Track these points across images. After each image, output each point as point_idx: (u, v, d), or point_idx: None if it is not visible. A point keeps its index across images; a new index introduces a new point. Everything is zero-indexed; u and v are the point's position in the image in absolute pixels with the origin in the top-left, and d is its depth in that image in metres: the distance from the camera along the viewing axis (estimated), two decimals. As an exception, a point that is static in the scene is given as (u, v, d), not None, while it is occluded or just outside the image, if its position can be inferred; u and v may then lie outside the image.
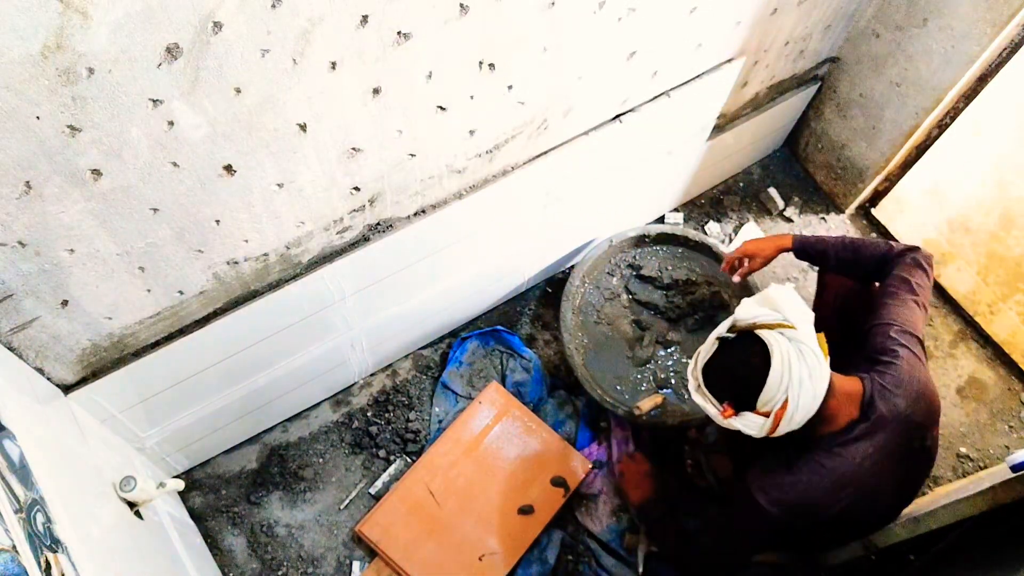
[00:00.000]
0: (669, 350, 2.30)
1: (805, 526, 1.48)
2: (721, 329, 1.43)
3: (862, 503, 1.48)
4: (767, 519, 1.45)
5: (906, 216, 2.51)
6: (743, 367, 1.38)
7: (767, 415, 1.36)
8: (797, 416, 1.35)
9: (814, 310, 1.89)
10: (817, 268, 1.88)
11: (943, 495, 1.60)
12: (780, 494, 1.44)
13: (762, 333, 1.36)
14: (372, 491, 2.07)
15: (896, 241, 1.71)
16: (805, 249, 1.80)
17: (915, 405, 1.46)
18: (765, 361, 1.34)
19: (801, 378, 1.32)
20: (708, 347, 1.44)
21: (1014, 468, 1.47)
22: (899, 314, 1.54)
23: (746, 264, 1.88)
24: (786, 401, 1.33)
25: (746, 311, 1.41)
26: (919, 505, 1.72)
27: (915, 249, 1.66)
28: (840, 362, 1.47)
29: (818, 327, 1.45)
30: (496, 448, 2.12)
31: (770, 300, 1.41)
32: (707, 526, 1.65)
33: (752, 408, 1.37)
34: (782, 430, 1.37)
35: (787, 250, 1.82)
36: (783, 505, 1.44)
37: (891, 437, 1.45)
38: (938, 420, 1.55)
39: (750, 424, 1.38)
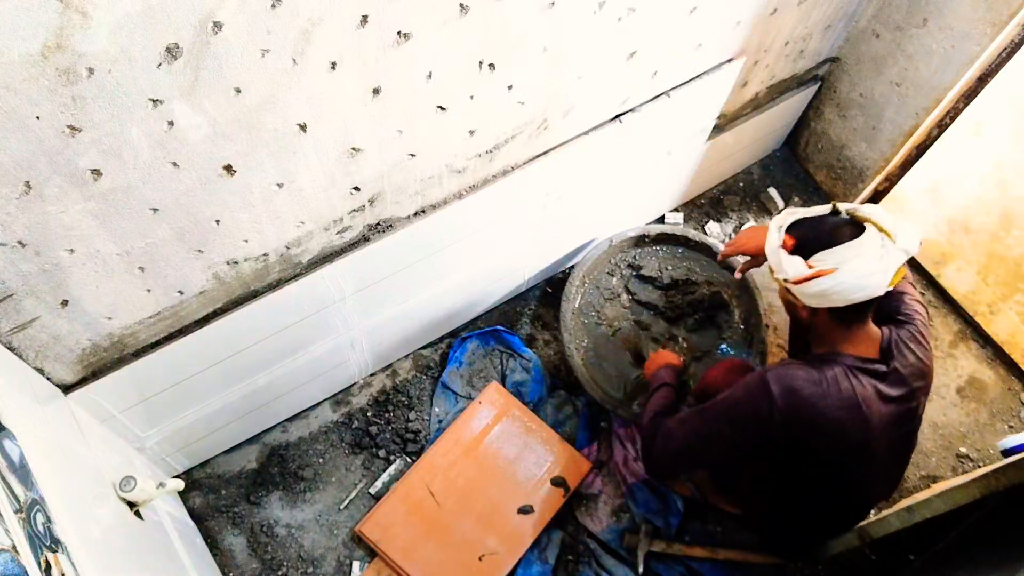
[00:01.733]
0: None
1: (801, 444, 1.47)
2: (843, 205, 1.50)
3: (862, 449, 1.49)
4: (769, 409, 1.45)
5: (906, 216, 2.51)
6: (829, 230, 1.45)
7: (810, 267, 1.43)
8: (831, 291, 1.41)
9: None
10: None
11: (939, 490, 1.60)
12: (794, 386, 1.45)
13: (869, 226, 1.43)
14: (372, 491, 2.07)
15: None
16: None
17: (920, 363, 1.52)
18: (850, 236, 1.42)
19: (861, 268, 1.38)
20: (818, 208, 1.53)
21: (1005, 452, 1.48)
22: (908, 289, 1.67)
23: (746, 260, 1.88)
24: (833, 270, 1.39)
25: (872, 208, 1.47)
26: (915, 497, 1.72)
27: None
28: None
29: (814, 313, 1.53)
30: (496, 448, 2.12)
31: (897, 218, 1.46)
32: (696, 406, 1.63)
33: (805, 258, 1.44)
34: (808, 291, 1.44)
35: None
36: (792, 398, 1.44)
37: (898, 389, 1.49)
38: (930, 388, 1.60)
39: (792, 265, 1.45)
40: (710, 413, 1.55)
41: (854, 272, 1.38)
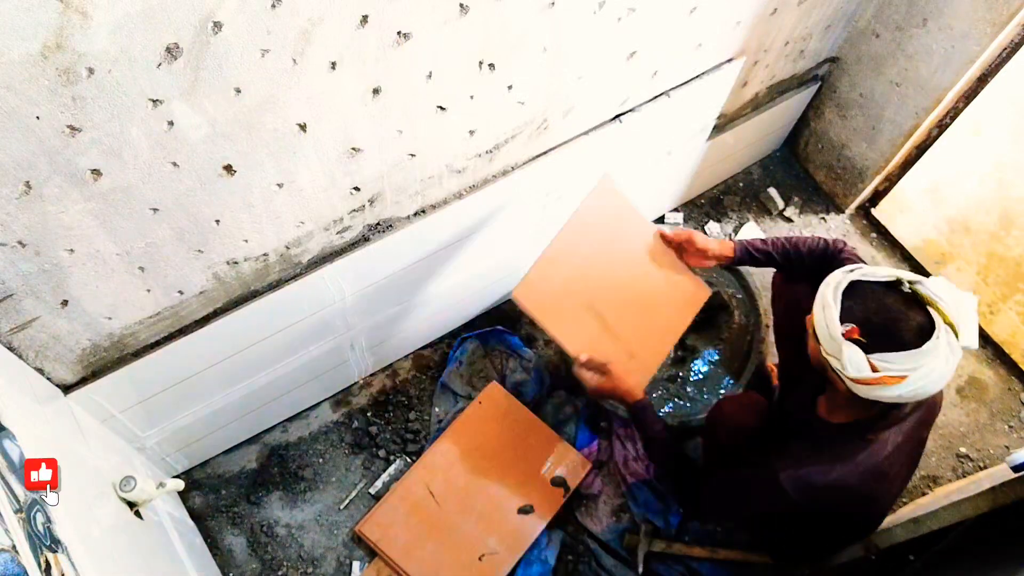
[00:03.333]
0: (669, 350, 2.29)
1: (821, 514, 1.47)
2: (903, 274, 1.31)
3: (880, 498, 1.50)
4: (785, 502, 1.42)
5: (906, 216, 2.51)
6: (898, 320, 1.27)
7: (875, 370, 1.26)
8: (892, 395, 1.26)
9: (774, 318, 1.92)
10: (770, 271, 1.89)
11: (943, 495, 1.60)
12: (809, 482, 1.40)
13: (935, 314, 1.27)
14: (372, 491, 2.07)
15: (836, 239, 1.71)
16: (750, 253, 1.77)
17: (930, 399, 1.46)
18: (919, 334, 1.25)
19: (929, 374, 1.23)
20: (876, 271, 1.33)
21: (1015, 468, 1.47)
22: None
23: (691, 246, 1.81)
24: (904, 378, 1.24)
25: (940, 287, 1.30)
26: (919, 505, 1.72)
27: (844, 243, 1.69)
28: (799, 370, 1.49)
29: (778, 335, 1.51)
30: (496, 448, 2.11)
31: (961, 302, 1.30)
32: (719, 475, 1.59)
33: (868, 351, 1.26)
34: (870, 394, 1.28)
35: (728, 259, 1.78)
36: (810, 493, 1.40)
37: (914, 428, 1.46)
38: (936, 416, 1.58)
39: (855, 361, 1.26)
40: (736, 490, 1.55)
41: (922, 379, 1.23)
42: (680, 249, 1.84)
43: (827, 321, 1.31)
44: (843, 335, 1.28)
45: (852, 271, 1.34)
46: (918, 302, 1.29)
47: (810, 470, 1.40)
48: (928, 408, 1.49)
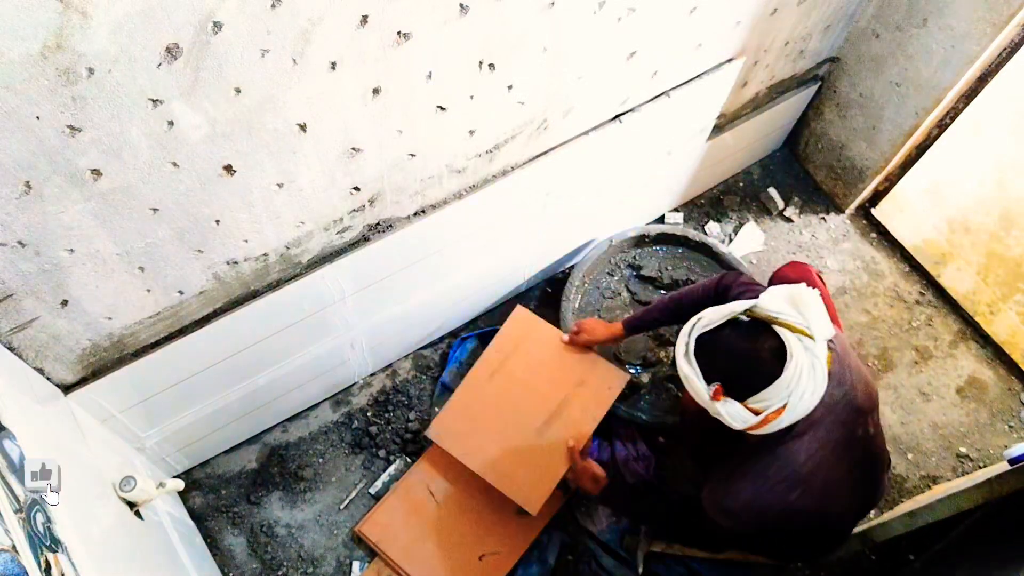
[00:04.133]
0: (669, 350, 2.30)
1: (763, 532, 1.47)
2: (736, 308, 1.34)
3: (817, 503, 1.44)
4: (725, 529, 1.45)
5: (906, 216, 2.51)
6: (751, 358, 1.30)
7: (757, 413, 1.28)
8: (788, 421, 1.30)
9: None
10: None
11: (941, 493, 1.60)
12: (729, 505, 1.41)
13: (781, 331, 1.29)
14: (372, 491, 2.07)
15: (725, 274, 1.70)
16: (635, 326, 1.88)
17: (851, 392, 1.44)
18: (775, 360, 1.27)
19: (804, 391, 1.26)
20: (714, 316, 1.35)
21: (1012, 461, 1.48)
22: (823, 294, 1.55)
23: (580, 337, 2.00)
24: (784, 407, 1.27)
25: (772, 302, 1.33)
26: (917, 500, 1.72)
27: (736, 271, 1.70)
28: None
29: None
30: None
31: (799, 301, 1.34)
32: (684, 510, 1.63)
33: (741, 400, 1.29)
34: (768, 431, 1.32)
35: (619, 337, 1.95)
36: (733, 517, 1.41)
37: (832, 428, 1.41)
38: (877, 405, 1.54)
39: (734, 414, 1.30)
40: (697, 527, 1.59)
41: (803, 396, 1.26)
42: (579, 342, 2.01)
43: (696, 391, 1.34)
44: (711, 398, 1.31)
45: (692, 327, 1.36)
46: (760, 326, 1.31)
47: (723, 491, 1.43)
48: (849, 403, 1.43)
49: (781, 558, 1.88)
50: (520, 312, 2.18)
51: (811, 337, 1.29)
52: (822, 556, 1.85)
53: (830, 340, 1.38)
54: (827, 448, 1.41)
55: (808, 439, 1.39)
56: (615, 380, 2.06)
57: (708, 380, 1.33)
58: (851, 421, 1.44)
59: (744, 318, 1.34)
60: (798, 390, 1.26)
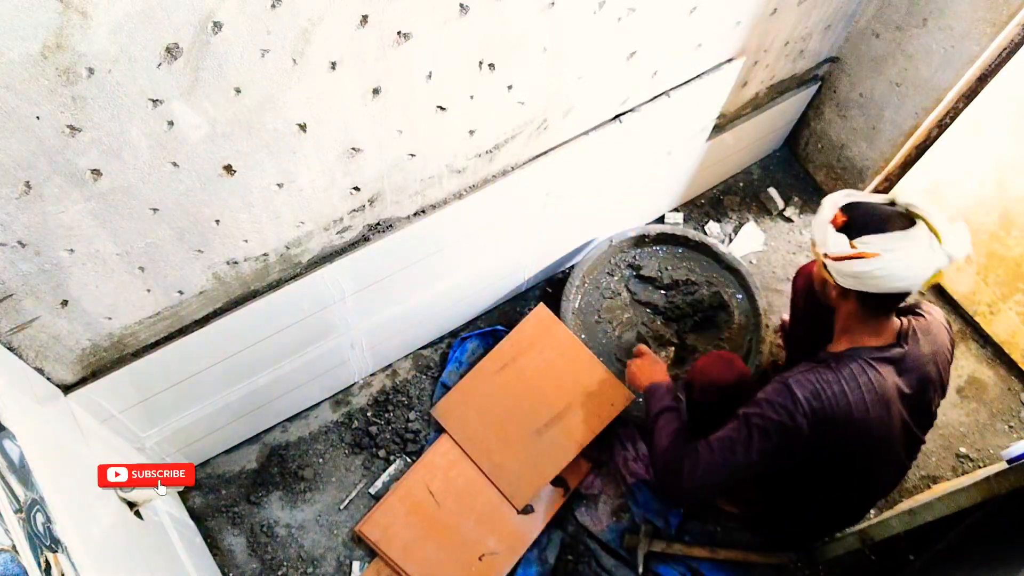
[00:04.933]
0: (669, 350, 2.30)
1: (828, 441, 1.46)
2: (900, 199, 1.47)
3: (884, 437, 1.49)
4: (794, 417, 1.43)
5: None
6: (886, 215, 1.43)
7: (853, 247, 1.40)
8: (867, 275, 1.39)
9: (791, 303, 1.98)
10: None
11: (940, 491, 1.60)
12: (819, 388, 1.44)
13: (921, 223, 1.41)
14: (372, 491, 2.07)
15: None
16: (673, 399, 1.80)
17: (934, 358, 1.53)
18: (899, 224, 1.40)
19: (903, 260, 1.36)
20: (874, 196, 1.50)
21: (1010, 461, 1.48)
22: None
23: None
24: (876, 255, 1.38)
25: (930, 208, 1.43)
26: (916, 499, 1.72)
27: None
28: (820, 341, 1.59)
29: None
30: (496, 448, 2.12)
31: (951, 219, 1.44)
32: (720, 428, 1.56)
33: (851, 238, 1.42)
34: (845, 270, 1.42)
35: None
36: (818, 400, 1.43)
37: (913, 378, 1.50)
38: (946, 388, 1.60)
39: (836, 241, 1.43)
40: (741, 432, 1.49)
41: (895, 262, 1.37)
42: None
43: (820, 219, 1.48)
44: (830, 222, 1.45)
45: (847, 195, 1.50)
46: (908, 216, 1.43)
47: (817, 378, 1.46)
48: (930, 364, 1.52)
49: (789, 539, 1.86)
50: (542, 310, 2.20)
51: (940, 241, 1.39)
52: (828, 534, 1.85)
53: (926, 304, 1.60)
54: (906, 392, 1.49)
55: (895, 372, 1.48)
56: (619, 398, 2.09)
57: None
58: (925, 384, 1.52)
59: (900, 208, 1.46)
60: (899, 252, 1.37)
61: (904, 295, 1.44)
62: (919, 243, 1.37)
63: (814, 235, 1.50)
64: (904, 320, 1.55)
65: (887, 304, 1.47)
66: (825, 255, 1.46)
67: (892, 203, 1.47)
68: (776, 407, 1.46)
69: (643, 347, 2.01)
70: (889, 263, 1.37)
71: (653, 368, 1.88)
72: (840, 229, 1.45)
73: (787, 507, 1.74)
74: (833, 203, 1.50)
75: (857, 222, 1.43)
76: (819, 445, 1.46)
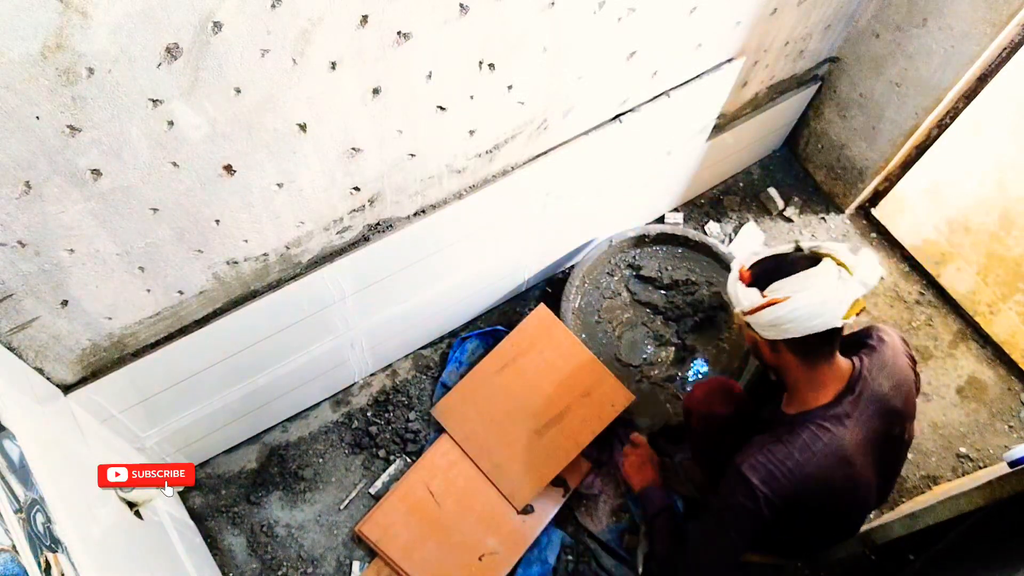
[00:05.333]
0: (669, 350, 2.30)
1: (794, 510, 1.46)
2: (803, 244, 1.50)
3: (850, 488, 1.49)
4: (756, 503, 1.43)
5: (906, 216, 2.51)
6: (790, 261, 1.45)
7: (764, 296, 1.42)
8: (784, 319, 1.39)
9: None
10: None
11: (941, 493, 1.60)
12: (773, 469, 1.43)
13: (825, 259, 1.42)
14: (372, 491, 2.07)
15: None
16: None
17: (896, 391, 1.51)
18: (805, 265, 1.42)
19: (815, 296, 1.36)
20: (780, 248, 1.53)
21: (1012, 464, 1.48)
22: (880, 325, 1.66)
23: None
24: (787, 299, 1.38)
25: (833, 245, 1.46)
26: (916, 502, 1.72)
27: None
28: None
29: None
30: (496, 448, 2.12)
31: (854, 252, 1.45)
32: (696, 524, 1.61)
33: (762, 289, 1.43)
34: (762, 320, 1.42)
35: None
36: (775, 482, 1.42)
37: (874, 419, 1.48)
38: (914, 414, 1.58)
39: (747, 295, 1.45)
40: (713, 531, 1.53)
41: (808, 299, 1.36)
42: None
43: (730, 281, 1.51)
44: (738, 277, 1.48)
45: (759, 252, 1.53)
46: (813, 257, 1.44)
47: (768, 458, 1.44)
48: (894, 398, 1.49)
49: (785, 552, 1.88)
50: (542, 310, 2.20)
51: (849, 272, 1.39)
52: (827, 548, 1.85)
53: (880, 329, 1.59)
54: (867, 436, 1.48)
55: (853, 422, 1.46)
56: (619, 399, 2.09)
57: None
58: (890, 419, 1.51)
59: (806, 252, 1.48)
60: (811, 291, 1.37)
61: (832, 333, 1.41)
62: (827, 278, 1.37)
63: (730, 299, 1.53)
64: (855, 360, 1.51)
65: (820, 348, 1.44)
66: (742, 313, 1.47)
67: (798, 249, 1.48)
68: (737, 495, 1.46)
69: (639, 437, 2.02)
70: (801, 301, 1.37)
71: (644, 470, 1.92)
72: (750, 284, 1.46)
73: (775, 551, 1.77)
74: (739, 264, 1.53)
75: (764, 273, 1.45)
76: (787, 516, 1.47)
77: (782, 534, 1.60)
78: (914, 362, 1.61)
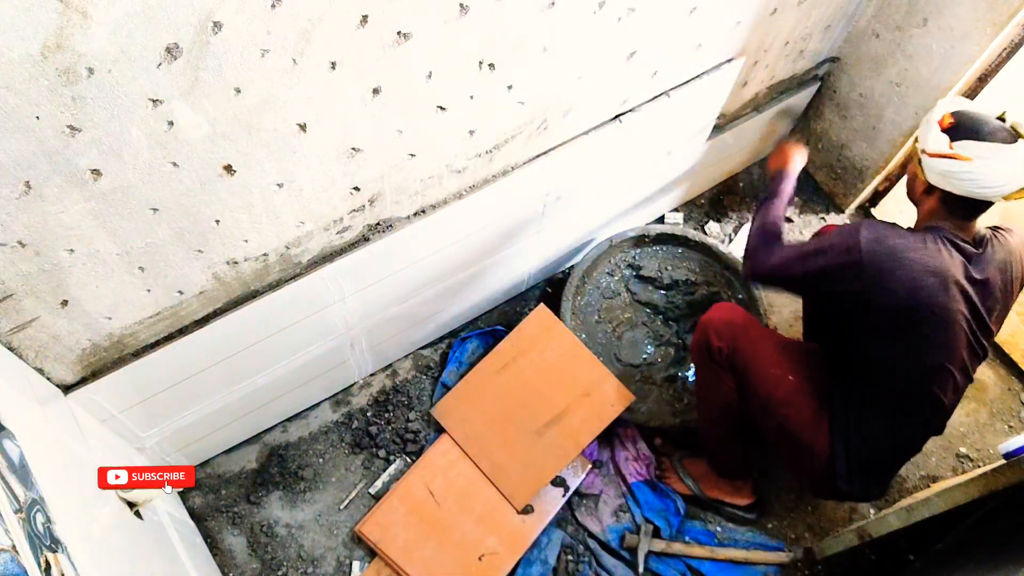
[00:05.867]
0: (669, 350, 2.30)
1: (879, 291, 1.50)
2: (1009, 117, 1.51)
3: (935, 313, 1.49)
4: (854, 255, 1.51)
5: (906, 216, 2.50)
6: (991, 127, 1.47)
7: (951, 148, 1.47)
8: (955, 176, 1.46)
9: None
10: None
11: (938, 490, 1.60)
12: (884, 236, 1.51)
13: (1021, 138, 1.46)
14: (372, 491, 2.07)
15: None
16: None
17: (1004, 274, 1.56)
18: (1003, 138, 1.45)
19: (994, 169, 1.42)
20: (986, 110, 1.53)
21: (1007, 456, 1.48)
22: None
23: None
24: (970, 159, 1.43)
25: None
26: (914, 496, 1.71)
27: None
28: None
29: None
30: (496, 448, 2.12)
31: None
32: (797, 243, 1.70)
33: (953, 139, 1.47)
34: (937, 167, 1.49)
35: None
36: (880, 246, 1.50)
37: (978, 284, 1.52)
38: (1008, 310, 1.62)
39: (936, 139, 1.50)
40: (809, 252, 1.62)
41: (986, 169, 1.43)
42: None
43: (929, 118, 1.55)
44: (937, 121, 1.51)
45: (963, 102, 1.56)
46: (1013, 133, 1.47)
47: (886, 227, 1.54)
48: (999, 273, 1.55)
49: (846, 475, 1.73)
50: (542, 311, 2.20)
51: None
52: (891, 467, 1.72)
53: (1012, 230, 1.62)
54: (968, 292, 1.51)
55: (964, 263, 1.51)
56: (619, 399, 2.09)
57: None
58: (990, 294, 1.55)
59: (1008, 126, 1.49)
60: (994, 161, 1.42)
61: (984, 204, 1.49)
62: (1015, 157, 1.42)
63: (919, 131, 1.57)
64: (986, 231, 1.59)
65: (968, 210, 1.52)
66: (922, 150, 1.52)
67: (1002, 119, 1.51)
68: (845, 239, 1.54)
69: (794, 143, 2.10)
70: (979, 168, 1.43)
71: (798, 158, 2.03)
72: (945, 130, 1.50)
73: (850, 408, 1.67)
74: (943, 106, 1.55)
75: (962, 127, 1.48)
76: (870, 281, 1.51)
77: (858, 322, 1.59)
78: None
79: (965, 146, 1.46)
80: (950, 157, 1.46)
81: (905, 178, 1.71)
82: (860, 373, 1.64)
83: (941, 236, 1.52)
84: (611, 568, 2.01)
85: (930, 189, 1.55)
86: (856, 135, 2.45)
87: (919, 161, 1.55)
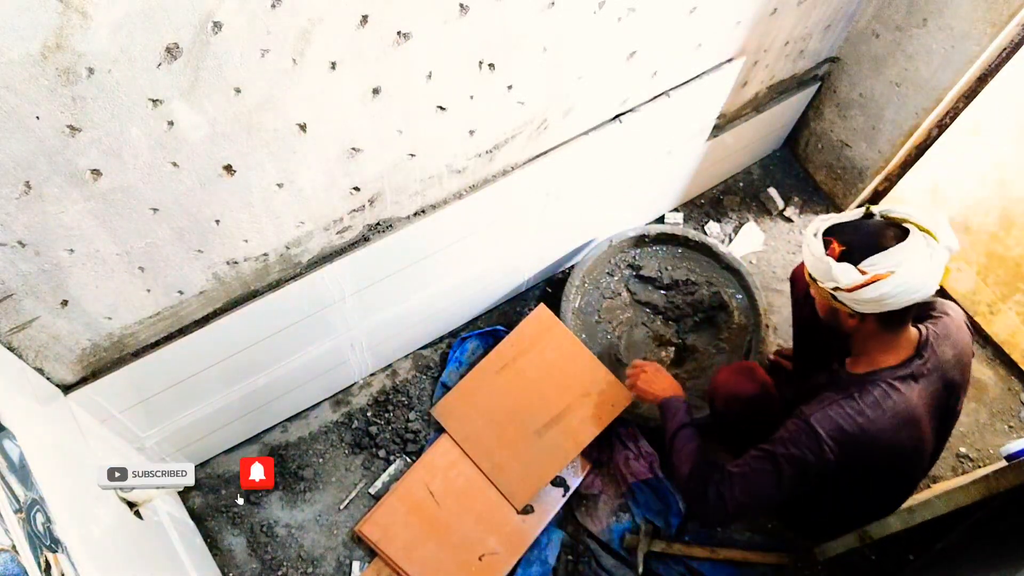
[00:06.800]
0: (669, 350, 2.30)
1: (855, 469, 1.47)
2: (875, 209, 1.47)
3: (914, 450, 1.50)
4: (820, 457, 1.43)
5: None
6: (874, 230, 1.42)
7: (863, 273, 1.38)
8: (889, 295, 1.37)
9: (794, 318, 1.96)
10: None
11: (940, 491, 1.60)
12: (843, 424, 1.43)
13: (908, 226, 1.41)
14: (372, 491, 2.07)
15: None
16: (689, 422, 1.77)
17: (957, 362, 1.53)
18: (895, 238, 1.39)
19: (916, 270, 1.35)
20: (846, 214, 1.50)
21: (1008, 458, 1.48)
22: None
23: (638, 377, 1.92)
24: (890, 274, 1.35)
25: (904, 208, 1.44)
26: (915, 499, 1.72)
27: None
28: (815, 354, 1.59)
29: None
30: (496, 448, 2.12)
31: (930, 213, 1.43)
32: (748, 459, 1.55)
33: (855, 264, 1.40)
34: (864, 297, 1.39)
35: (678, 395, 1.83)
36: (844, 437, 1.43)
37: (937, 385, 1.50)
38: (967, 387, 1.60)
39: (844, 272, 1.40)
40: (767, 466, 1.49)
41: (911, 274, 1.35)
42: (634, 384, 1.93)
43: (813, 254, 1.46)
44: (827, 254, 1.42)
45: (825, 220, 1.49)
46: (891, 223, 1.44)
47: (839, 412, 1.44)
48: (954, 369, 1.52)
49: (824, 528, 1.86)
50: (542, 311, 2.20)
51: (935, 239, 1.39)
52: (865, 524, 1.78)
53: (944, 303, 1.59)
54: (934, 402, 1.50)
55: (920, 386, 1.47)
56: (619, 398, 2.09)
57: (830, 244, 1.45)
58: (950, 388, 1.53)
59: (878, 217, 1.46)
60: (908, 264, 1.35)
61: (916, 304, 1.42)
62: (920, 248, 1.37)
63: (813, 272, 1.47)
64: (922, 328, 1.52)
65: (904, 316, 1.45)
66: (835, 288, 1.42)
67: (868, 215, 1.46)
68: (801, 445, 1.45)
69: (638, 361, 1.98)
70: (902, 276, 1.35)
71: (662, 379, 1.86)
72: (840, 259, 1.42)
73: (821, 511, 1.75)
74: (815, 232, 1.48)
75: (855, 246, 1.41)
76: (852, 473, 1.48)
77: (835, 495, 1.59)
78: (972, 338, 1.62)
79: (874, 263, 1.37)
80: (871, 282, 1.37)
81: (816, 312, 1.59)
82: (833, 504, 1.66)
83: (889, 384, 1.45)
84: (611, 568, 2.01)
85: (862, 316, 1.45)
86: (856, 135, 2.45)
87: (833, 298, 1.45)
